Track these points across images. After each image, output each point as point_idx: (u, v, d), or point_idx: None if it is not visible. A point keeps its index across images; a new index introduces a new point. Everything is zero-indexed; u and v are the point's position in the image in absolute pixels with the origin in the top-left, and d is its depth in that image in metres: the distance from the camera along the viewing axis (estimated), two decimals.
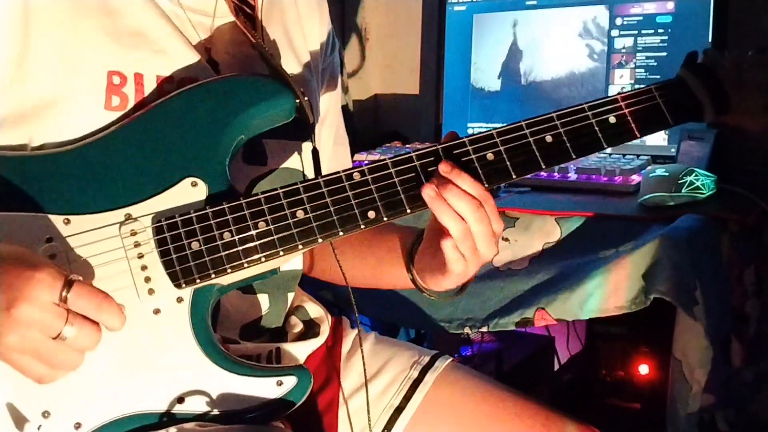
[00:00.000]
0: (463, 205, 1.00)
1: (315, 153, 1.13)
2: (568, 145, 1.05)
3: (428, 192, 1.00)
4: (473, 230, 1.01)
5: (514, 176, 1.04)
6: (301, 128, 1.16)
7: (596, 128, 1.05)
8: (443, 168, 1.00)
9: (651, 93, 1.08)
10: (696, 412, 1.34)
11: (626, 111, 1.06)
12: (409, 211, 1.02)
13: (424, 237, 1.14)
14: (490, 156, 1.03)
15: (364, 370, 1.21)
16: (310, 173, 1.17)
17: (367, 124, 2.55)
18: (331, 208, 1.00)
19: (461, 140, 1.04)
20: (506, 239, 1.57)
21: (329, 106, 1.35)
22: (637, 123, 1.06)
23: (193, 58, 1.09)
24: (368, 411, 1.19)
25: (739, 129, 1.11)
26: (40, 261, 0.89)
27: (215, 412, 0.97)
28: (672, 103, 1.08)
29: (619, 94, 1.07)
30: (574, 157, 1.05)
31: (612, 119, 1.06)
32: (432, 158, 1.03)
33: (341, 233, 1.01)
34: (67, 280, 0.87)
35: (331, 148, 1.35)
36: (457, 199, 1.00)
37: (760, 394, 1.43)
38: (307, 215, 1.00)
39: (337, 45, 1.38)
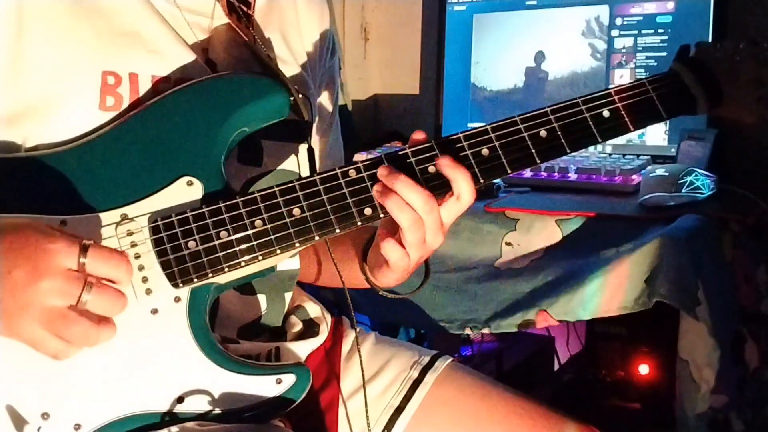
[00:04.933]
0: (414, 195, 0.99)
1: (311, 152, 1.13)
2: (562, 140, 1.04)
3: (376, 187, 1.00)
4: (425, 221, 1.00)
5: (509, 171, 1.03)
6: (298, 129, 1.16)
7: (590, 122, 1.05)
8: (381, 172, 1.00)
9: (644, 87, 1.08)
10: (706, 412, 1.34)
11: (620, 105, 1.06)
12: None
13: (376, 233, 1.13)
14: (485, 151, 1.03)
15: (362, 374, 1.21)
16: (305, 174, 1.17)
17: (367, 124, 2.55)
18: (328, 206, 1.00)
19: (456, 136, 1.04)
20: (509, 243, 1.57)
21: (327, 109, 1.34)
22: (630, 116, 1.06)
23: (189, 58, 1.09)
24: (367, 414, 1.19)
25: (733, 121, 1.11)
26: (52, 231, 0.89)
27: (215, 411, 0.97)
28: (665, 97, 1.08)
29: (612, 88, 1.07)
30: (568, 151, 1.05)
31: (606, 113, 1.06)
32: (427, 154, 1.02)
33: (338, 230, 1.01)
34: (82, 245, 0.88)
35: (327, 150, 1.35)
36: (408, 190, 0.99)
37: None
38: (304, 213, 1.00)
39: (338, 49, 1.37)
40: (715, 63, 1.10)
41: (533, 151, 1.04)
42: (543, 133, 1.04)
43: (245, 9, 1.15)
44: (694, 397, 1.35)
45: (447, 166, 1.00)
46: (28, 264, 0.86)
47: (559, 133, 1.04)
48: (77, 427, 0.94)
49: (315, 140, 1.29)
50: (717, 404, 1.33)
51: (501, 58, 2.14)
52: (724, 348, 1.33)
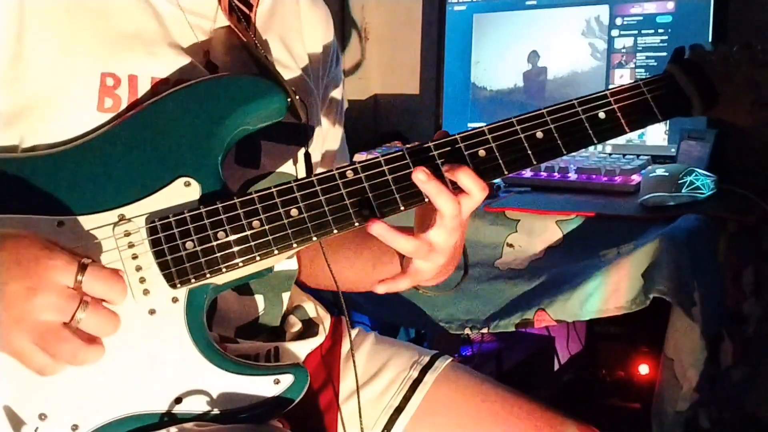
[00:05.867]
0: (470, 181, 0.99)
1: (307, 153, 1.13)
2: (558, 141, 1.04)
3: (419, 175, 0.98)
4: (447, 224, 1.00)
5: (506, 172, 1.03)
6: (297, 132, 1.16)
7: (586, 124, 1.05)
8: (444, 168, 1.00)
9: (639, 88, 1.08)
10: (684, 411, 1.34)
11: (615, 106, 1.06)
12: (402, 208, 1.01)
13: (415, 228, 1.11)
14: (481, 153, 1.03)
15: (356, 379, 1.21)
16: None
17: (367, 124, 2.55)
18: (325, 207, 1.00)
19: (453, 137, 1.03)
20: (511, 245, 1.57)
21: (330, 120, 1.34)
22: (626, 118, 1.06)
23: (189, 60, 1.09)
24: (360, 419, 1.19)
25: (728, 123, 1.11)
26: (52, 246, 0.89)
27: (213, 411, 0.96)
28: (660, 98, 1.08)
29: (608, 89, 1.08)
30: (564, 152, 1.05)
31: (601, 115, 1.06)
32: (424, 155, 1.02)
33: (335, 231, 1.00)
34: (81, 263, 0.88)
35: (333, 157, 1.35)
36: (467, 177, 0.99)
37: (754, 392, 1.43)
38: (302, 214, 1.00)
39: (341, 59, 1.37)
40: (709, 65, 1.10)
41: (530, 152, 1.04)
42: (539, 134, 1.04)
43: (246, 10, 1.15)
44: (675, 395, 1.35)
45: (446, 172, 1.00)
46: (25, 278, 0.86)
47: (555, 134, 1.04)
48: (75, 427, 0.93)
49: (320, 146, 1.29)
50: (692, 402, 1.34)
51: (501, 58, 2.14)
52: (707, 348, 1.33)
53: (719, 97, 1.09)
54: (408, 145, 1.04)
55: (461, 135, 1.03)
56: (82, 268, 0.88)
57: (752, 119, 1.09)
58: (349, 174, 1.01)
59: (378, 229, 0.98)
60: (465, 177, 1.00)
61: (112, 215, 0.97)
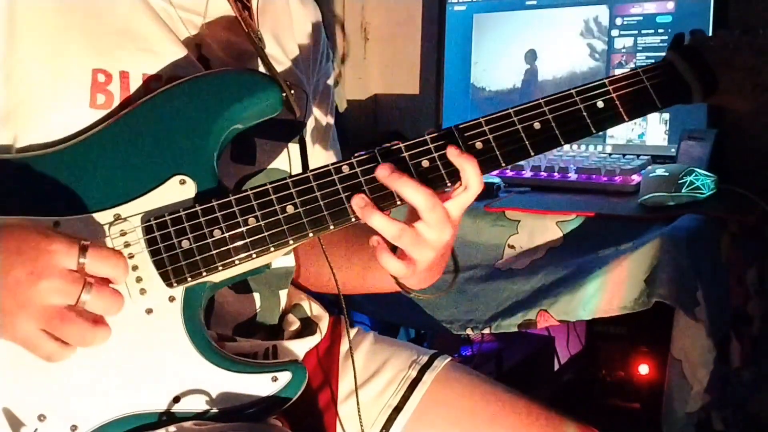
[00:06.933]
0: (416, 195, 0.97)
1: (303, 148, 1.13)
2: (556, 131, 1.04)
3: (357, 203, 0.98)
4: (428, 219, 0.98)
5: (503, 164, 1.03)
6: (291, 128, 1.16)
7: (584, 113, 1.05)
8: (382, 172, 0.98)
9: (638, 76, 1.07)
10: (696, 412, 1.34)
11: (614, 95, 1.05)
12: (399, 203, 1.00)
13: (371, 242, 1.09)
14: (478, 145, 1.02)
15: (355, 378, 1.21)
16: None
17: (367, 124, 2.55)
18: (321, 202, 1.00)
19: (449, 129, 1.03)
20: (512, 246, 1.57)
21: (323, 114, 1.34)
22: (625, 106, 1.05)
23: (181, 55, 1.09)
24: (359, 416, 1.19)
25: (729, 109, 1.10)
26: (51, 231, 0.90)
27: (212, 410, 0.96)
28: (659, 86, 1.07)
29: (607, 78, 1.07)
30: (563, 143, 1.04)
31: (600, 104, 1.05)
32: (420, 149, 1.02)
33: (332, 227, 1.00)
34: (81, 245, 0.88)
35: (323, 155, 1.34)
36: (411, 190, 0.97)
37: (761, 393, 1.43)
38: (297, 210, 0.99)
39: (331, 55, 1.38)
40: (709, 51, 1.09)
41: (527, 143, 1.03)
42: (537, 125, 1.03)
43: (246, 2, 1.16)
44: (685, 396, 1.34)
45: (455, 156, 0.99)
46: (28, 264, 0.86)
47: (552, 124, 1.04)
48: (74, 428, 0.93)
49: (312, 144, 1.29)
50: (703, 403, 1.33)
51: (501, 58, 2.14)
52: (716, 348, 1.33)
53: (719, 83, 1.08)
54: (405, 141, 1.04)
55: (458, 127, 1.02)
56: (83, 249, 0.88)
57: (753, 105, 1.09)
58: (345, 169, 1.01)
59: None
60: (469, 167, 0.99)
61: (107, 215, 0.97)
